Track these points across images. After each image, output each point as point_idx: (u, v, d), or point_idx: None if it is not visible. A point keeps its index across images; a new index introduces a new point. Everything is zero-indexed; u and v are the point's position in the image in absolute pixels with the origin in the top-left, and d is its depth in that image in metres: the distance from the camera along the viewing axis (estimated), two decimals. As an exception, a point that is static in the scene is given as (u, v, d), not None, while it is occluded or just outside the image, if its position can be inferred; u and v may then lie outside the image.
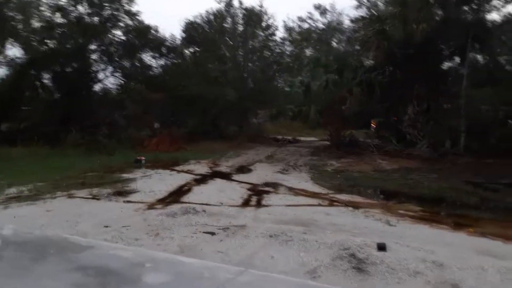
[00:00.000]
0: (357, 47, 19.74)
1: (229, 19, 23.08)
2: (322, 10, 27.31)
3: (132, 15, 19.92)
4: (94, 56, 20.32)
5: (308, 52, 25.92)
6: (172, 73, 21.43)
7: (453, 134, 15.24)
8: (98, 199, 7.38)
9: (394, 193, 8.98)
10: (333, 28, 27.50)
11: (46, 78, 20.15)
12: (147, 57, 21.51)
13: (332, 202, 7.92)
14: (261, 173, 11.46)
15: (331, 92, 15.44)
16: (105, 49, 20.19)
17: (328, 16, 27.50)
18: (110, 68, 20.72)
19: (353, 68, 16.30)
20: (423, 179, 10.79)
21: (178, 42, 22.60)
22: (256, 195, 8.30)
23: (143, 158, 12.59)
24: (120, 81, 21.20)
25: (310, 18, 27.89)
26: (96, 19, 19.50)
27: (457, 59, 16.80)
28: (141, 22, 20.33)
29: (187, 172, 11.30)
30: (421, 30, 13.77)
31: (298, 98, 18.47)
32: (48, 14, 18.49)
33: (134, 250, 3.97)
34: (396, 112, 15.79)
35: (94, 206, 6.82)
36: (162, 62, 22.08)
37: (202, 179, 10.16)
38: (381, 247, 4.52)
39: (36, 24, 18.40)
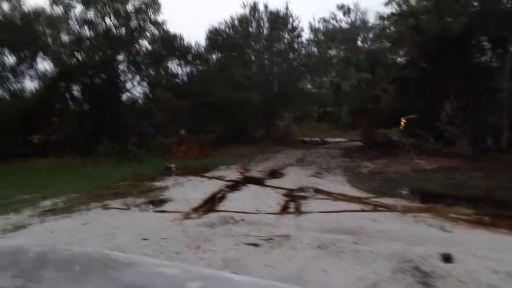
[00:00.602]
0: (387, 45, 19.07)
1: (254, 24, 22.88)
2: (346, 10, 26.95)
3: (158, 25, 20.13)
4: (121, 67, 20.68)
5: (334, 52, 25.40)
6: (198, 80, 21.43)
7: (494, 130, 14.42)
8: (133, 209, 7.19)
9: (439, 194, 8.43)
10: (358, 27, 26.96)
11: (76, 90, 20.65)
12: (173, 65, 21.73)
13: (375, 207, 7.46)
14: (294, 177, 11.07)
15: (362, 92, 14.91)
16: (132, 59, 20.42)
17: (352, 15, 27.05)
18: (137, 78, 21.02)
19: (385, 65, 15.71)
20: (467, 178, 10.23)
21: (203, 49, 22.65)
22: (293, 201, 7.92)
23: (173, 165, 12.48)
24: (147, 90, 21.40)
25: (334, 18, 27.54)
26: (123, 30, 19.74)
27: (496, 52, 15.86)
28: (166, 31, 20.50)
29: (218, 178, 11.04)
30: (458, 23, 13.07)
31: (327, 99, 18.02)
32: (77, 28, 18.88)
33: (179, 266, 3.63)
34: (432, 109, 15.05)
35: (130, 217, 6.63)
36: (187, 69, 22.20)
37: (234, 185, 9.85)
38: (447, 258, 4.08)
39: (65, 37, 18.85)
